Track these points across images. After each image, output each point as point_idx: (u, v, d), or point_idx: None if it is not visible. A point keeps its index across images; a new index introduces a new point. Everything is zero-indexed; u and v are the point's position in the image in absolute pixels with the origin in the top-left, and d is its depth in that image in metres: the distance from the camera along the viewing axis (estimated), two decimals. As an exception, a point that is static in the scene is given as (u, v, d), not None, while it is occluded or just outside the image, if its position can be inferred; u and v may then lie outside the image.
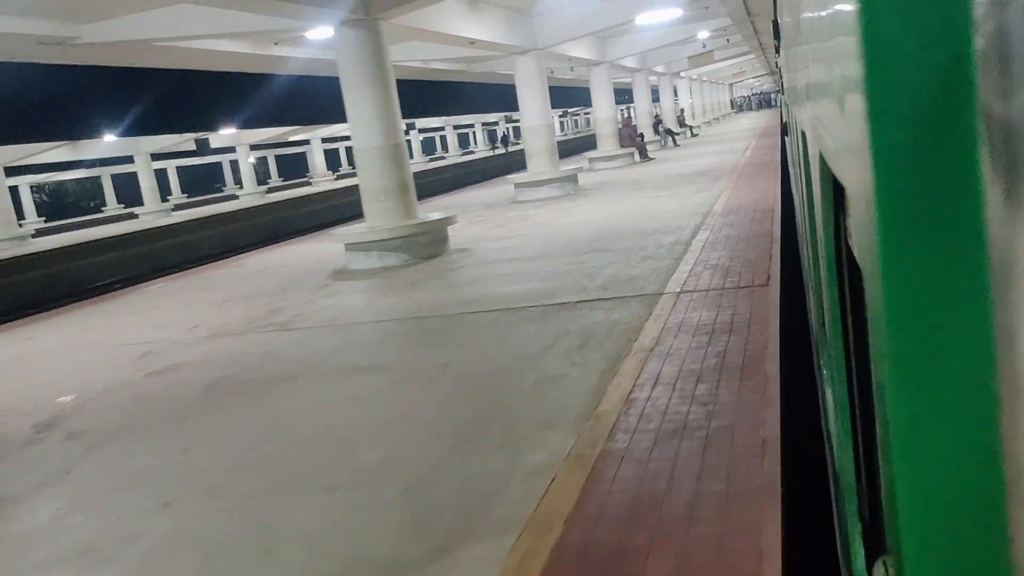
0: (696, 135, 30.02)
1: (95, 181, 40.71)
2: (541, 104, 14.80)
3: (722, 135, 29.12)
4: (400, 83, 9.47)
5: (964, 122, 0.43)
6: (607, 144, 20.55)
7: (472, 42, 12.27)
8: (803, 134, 2.24)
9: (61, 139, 26.22)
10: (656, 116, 26.93)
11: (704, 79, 38.77)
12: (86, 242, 18.38)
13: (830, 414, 1.90)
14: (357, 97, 8.79)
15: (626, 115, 24.70)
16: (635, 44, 19.24)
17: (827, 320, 1.63)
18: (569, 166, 16.41)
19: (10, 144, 23.16)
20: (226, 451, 3.77)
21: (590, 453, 3.07)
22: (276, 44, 11.89)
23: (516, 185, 15.26)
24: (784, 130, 13.09)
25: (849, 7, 0.52)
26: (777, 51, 8.86)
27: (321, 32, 9.71)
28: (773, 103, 58.71)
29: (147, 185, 27.78)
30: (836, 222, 1.18)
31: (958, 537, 0.50)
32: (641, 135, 22.08)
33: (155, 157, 30.58)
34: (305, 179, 41.91)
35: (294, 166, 52.70)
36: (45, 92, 24.75)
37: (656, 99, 29.47)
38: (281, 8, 7.88)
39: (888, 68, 0.46)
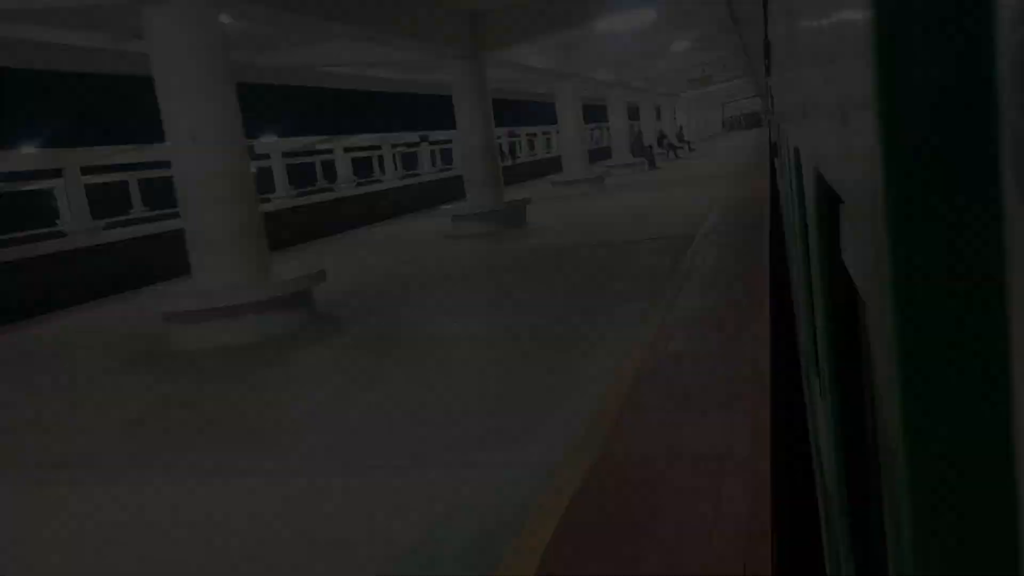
0: (693, 149, 33.53)
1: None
2: (576, 121, 18.29)
3: (716, 150, 32.90)
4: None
5: (983, 136, 0.41)
6: (621, 154, 24.13)
7: (528, 68, 15.61)
8: (796, 150, 2.15)
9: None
10: (660, 132, 30.43)
11: (700, 100, 42.44)
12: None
13: (820, 430, 1.85)
14: (465, 110, 12.08)
15: (636, 130, 28.24)
16: (646, 69, 22.70)
17: (818, 335, 1.56)
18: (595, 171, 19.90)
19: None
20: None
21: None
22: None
23: (553, 183, 18.72)
24: (773, 149, 14.58)
25: (859, 18, 0.50)
26: (767, 71, 9.06)
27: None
28: (761, 123, 61.71)
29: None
30: (831, 237, 1.12)
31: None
32: (650, 146, 25.67)
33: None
34: (324, 186, 45.07)
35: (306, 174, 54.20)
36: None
37: (659, 117, 32.86)
38: (421, 47, 11.17)
39: (899, 81, 0.45)
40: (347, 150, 41.29)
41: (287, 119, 36.75)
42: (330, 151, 41.33)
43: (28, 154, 26.31)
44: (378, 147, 44.48)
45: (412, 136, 44.67)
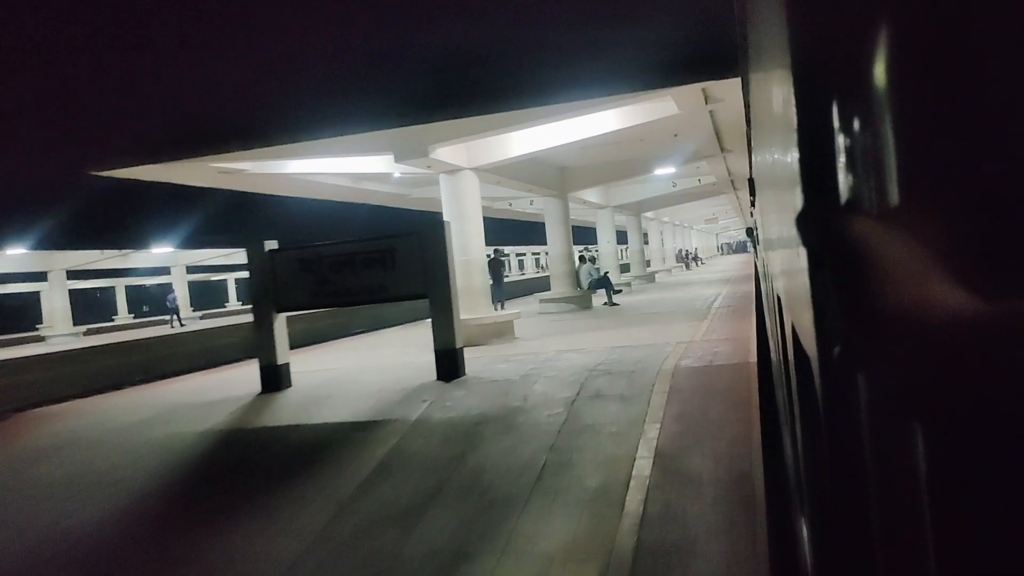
0: (703, 263, 42.90)
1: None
2: (638, 240, 24.87)
3: (717, 265, 39.85)
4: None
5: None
6: (667, 262, 31.08)
7: (586, 202, 21.73)
8: (778, 299, 1.97)
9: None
10: (683, 249, 41.12)
11: (703, 229, 50.84)
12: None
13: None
14: (553, 230, 17.92)
15: (680, 249, 40.23)
16: (678, 213, 29.58)
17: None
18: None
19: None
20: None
21: (709, 317, 11.90)
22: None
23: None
24: (757, 274, 19.06)
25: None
26: (752, 205, 9.93)
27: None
28: (747, 249, 73.91)
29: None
30: (809, 394, 1.04)
31: None
32: (686, 256, 34.66)
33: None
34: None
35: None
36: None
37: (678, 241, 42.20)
38: (532, 190, 17.13)
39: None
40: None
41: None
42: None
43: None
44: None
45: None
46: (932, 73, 0.39)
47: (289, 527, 5.28)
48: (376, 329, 17.74)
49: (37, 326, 30.83)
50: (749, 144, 5.43)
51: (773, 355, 4.09)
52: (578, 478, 5.34)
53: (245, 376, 9.74)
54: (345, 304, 8.44)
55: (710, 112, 11.71)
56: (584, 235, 29.37)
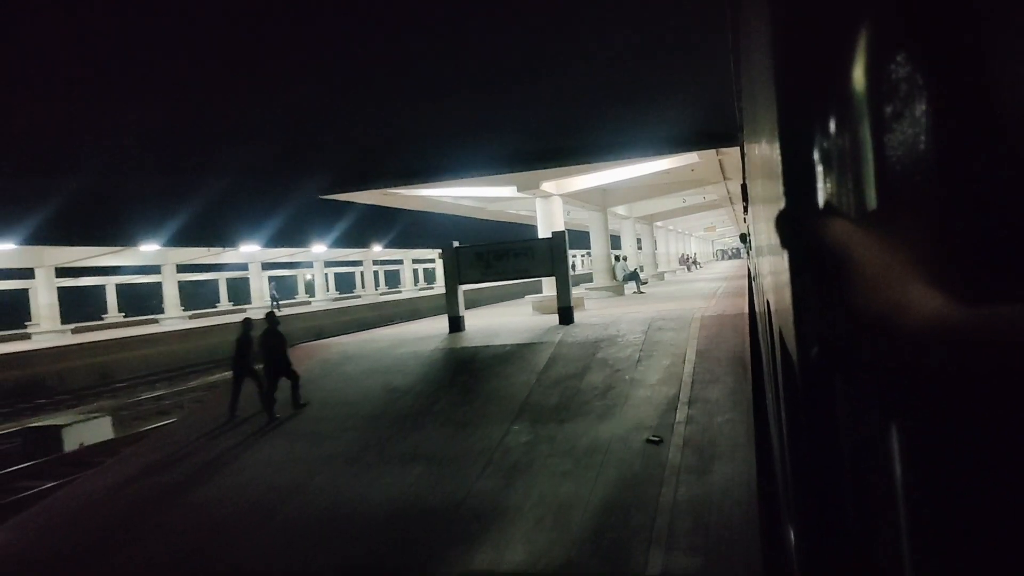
0: (701, 267, 47.35)
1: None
2: (651, 245, 30.10)
3: (714, 268, 45.10)
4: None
5: None
6: (672, 264, 36.38)
7: (616, 214, 27.19)
8: (768, 304, 1.97)
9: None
10: (684, 254, 45.17)
11: (701, 236, 56.32)
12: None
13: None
14: (596, 237, 23.35)
15: (683, 254, 44.76)
16: (682, 223, 34.93)
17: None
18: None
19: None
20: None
21: (715, 298, 17.36)
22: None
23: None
24: (749, 274, 19.71)
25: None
26: (745, 211, 9.95)
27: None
28: (741, 255, 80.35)
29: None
30: (792, 394, 1.07)
31: None
32: (687, 260, 39.47)
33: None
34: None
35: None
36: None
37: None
38: (582, 205, 22.52)
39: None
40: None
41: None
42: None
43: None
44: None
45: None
46: (907, 82, 0.39)
47: (515, 382, 10.68)
48: (482, 306, 23.40)
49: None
50: (742, 150, 5.61)
51: (764, 360, 4.06)
52: (658, 359, 10.76)
53: (422, 328, 15.19)
54: (501, 280, 13.86)
55: (719, 159, 17.20)
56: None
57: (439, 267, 58.80)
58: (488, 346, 12.63)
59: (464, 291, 14.14)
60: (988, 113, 0.35)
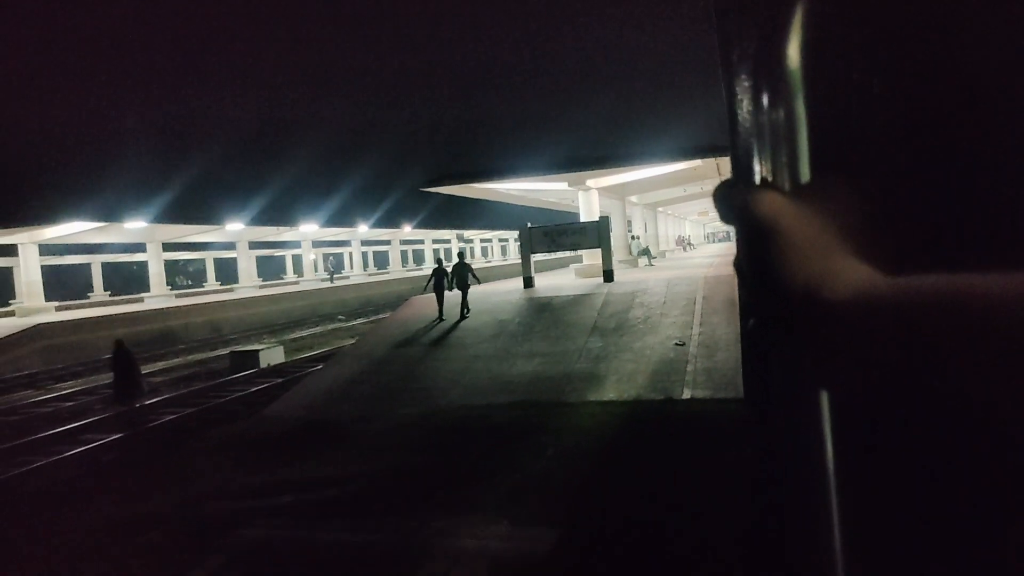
0: (694, 247, 51.99)
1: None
2: (655, 227, 35.41)
3: (707, 249, 50.58)
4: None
5: None
6: (669, 244, 41.67)
7: (630, 201, 32.46)
8: None
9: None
10: (680, 236, 49.47)
11: (695, 220, 61.62)
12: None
13: None
14: (615, 220, 28.61)
15: (679, 235, 49.08)
16: (679, 208, 40.14)
17: None
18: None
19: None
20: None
21: (712, 268, 22.79)
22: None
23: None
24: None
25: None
26: None
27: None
28: (729, 239, 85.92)
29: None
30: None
31: None
32: (683, 241, 44.06)
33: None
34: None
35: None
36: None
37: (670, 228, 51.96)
38: (606, 195, 27.77)
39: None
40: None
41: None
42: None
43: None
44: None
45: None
46: (842, 59, 0.41)
47: (584, 315, 16.02)
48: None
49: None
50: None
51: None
52: (678, 302, 16.16)
53: (499, 287, 20.63)
54: (561, 251, 19.20)
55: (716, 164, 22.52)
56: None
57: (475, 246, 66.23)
58: (558, 296, 17.98)
59: (534, 260, 19.43)
60: (917, 90, 0.37)
